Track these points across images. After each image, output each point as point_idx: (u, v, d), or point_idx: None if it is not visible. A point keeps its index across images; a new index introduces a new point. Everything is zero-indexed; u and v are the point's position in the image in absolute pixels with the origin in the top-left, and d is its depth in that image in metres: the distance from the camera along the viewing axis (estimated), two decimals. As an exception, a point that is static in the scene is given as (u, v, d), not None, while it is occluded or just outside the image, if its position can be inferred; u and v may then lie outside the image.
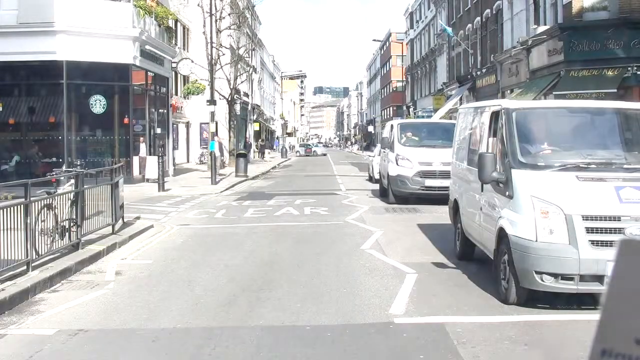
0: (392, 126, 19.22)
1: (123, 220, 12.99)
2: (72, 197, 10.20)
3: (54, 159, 22.07)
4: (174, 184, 24.20)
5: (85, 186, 10.75)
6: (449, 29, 38.65)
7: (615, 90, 19.28)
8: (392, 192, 17.26)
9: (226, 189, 23.43)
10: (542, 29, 24.02)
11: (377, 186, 21.33)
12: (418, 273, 8.62)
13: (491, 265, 8.04)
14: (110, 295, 7.90)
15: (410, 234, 12.44)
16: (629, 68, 19.88)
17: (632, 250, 1.05)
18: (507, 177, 7.06)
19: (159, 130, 28.08)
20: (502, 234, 7.04)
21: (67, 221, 9.95)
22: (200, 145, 42.22)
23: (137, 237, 12.14)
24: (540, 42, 24.16)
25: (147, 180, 24.24)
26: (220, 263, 9.79)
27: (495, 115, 7.96)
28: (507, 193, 7.00)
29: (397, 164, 17.11)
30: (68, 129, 22.88)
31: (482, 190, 7.99)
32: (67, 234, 9.90)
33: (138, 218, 14.30)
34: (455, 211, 9.93)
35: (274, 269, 9.34)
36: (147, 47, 25.07)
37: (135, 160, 24.54)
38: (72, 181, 10.47)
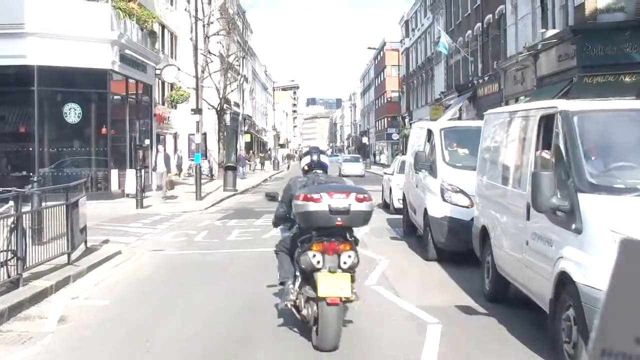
0: (429, 132, 11.91)
1: (86, 245, 11.20)
2: (11, 224, 8.32)
3: (24, 173, 20.13)
4: (156, 200, 22.28)
5: (31, 208, 8.88)
6: (446, 46, 36.39)
7: (634, 98, 17.63)
8: (435, 244, 10.56)
9: (212, 205, 21.60)
10: (551, 32, 22.54)
11: (397, 217, 15.60)
12: (442, 323, 6.69)
13: (535, 311, 6.24)
14: (42, 356, 6.02)
15: (422, 263, 10.59)
16: (647, 73, 18.34)
17: (632, 250, 1.12)
18: (571, 203, 5.13)
19: (146, 142, 26.24)
20: (564, 281, 5.13)
21: (3, 252, 8.07)
22: (189, 157, 40.14)
23: (98, 267, 10.27)
24: (550, 47, 22.62)
25: (127, 195, 22.37)
26: (190, 306, 7.90)
27: (545, 121, 6.08)
28: (572, 226, 5.08)
29: (443, 198, 10.57)
30: (40, 140, 21.20)
31: (528, 219, 6.11)
32: (3, 268, 8.01)
33: (106, 242, 12.56)
34: (483, 240, 8.03)
35: (256, 314, 7.39)
36: (128, 51, 23.25)
37: (114, 173, 22.67)
38: (11, 203, 8.55)
